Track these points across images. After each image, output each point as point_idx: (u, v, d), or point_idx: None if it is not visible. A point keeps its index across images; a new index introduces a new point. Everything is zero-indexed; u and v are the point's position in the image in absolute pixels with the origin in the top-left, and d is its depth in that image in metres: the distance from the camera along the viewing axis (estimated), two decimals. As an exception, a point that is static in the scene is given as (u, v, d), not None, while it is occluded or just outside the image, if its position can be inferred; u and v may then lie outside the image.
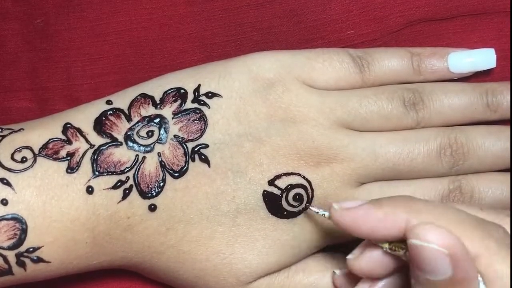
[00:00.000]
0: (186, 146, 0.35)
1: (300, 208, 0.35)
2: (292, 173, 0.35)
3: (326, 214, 0.33)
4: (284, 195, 0.35)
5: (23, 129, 0.35)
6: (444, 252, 0.26)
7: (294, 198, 0.35)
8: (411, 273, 0.28)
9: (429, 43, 0.40)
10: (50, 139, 0.34)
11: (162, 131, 0.35)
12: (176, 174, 0.34)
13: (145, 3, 0.40)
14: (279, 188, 0.35)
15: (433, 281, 0.26)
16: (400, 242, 0.29)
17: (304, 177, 0.35)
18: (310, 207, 0.34)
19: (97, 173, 0.34)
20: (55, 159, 0.34)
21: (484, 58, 0.38)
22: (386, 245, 0.29)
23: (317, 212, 0.34)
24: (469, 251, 0.26)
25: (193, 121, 0.35)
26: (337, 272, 0.35)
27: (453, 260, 0.26)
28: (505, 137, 0.37)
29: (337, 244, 0.37)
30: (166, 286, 0.38)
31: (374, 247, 0.30)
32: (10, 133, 0.34)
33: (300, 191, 0.35)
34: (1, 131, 0.34)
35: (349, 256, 0.31)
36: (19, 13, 0.41)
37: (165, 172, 0.34)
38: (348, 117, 0.36)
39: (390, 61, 0.38)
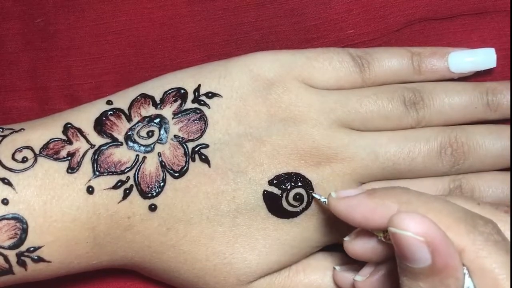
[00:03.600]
0: (186, 146, 0.35)
1: (300, 208, 0.35)
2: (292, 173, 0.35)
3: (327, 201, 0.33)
4: (284, 195, 0.35)
5: (23, 129, 0.35)
6: (420, 240, 0.26)
7: (294, 198, 0.35)
8: (397, 261, 0.28)
9: (430, 42, 0.40)
10: (50, 139, 0.34)
11: (162, 131, 0.35)
12: (177, 174, 0.34)
13: (146, 3, 0.40)
14: (279, 188, 0.35)
15: (414, 268, 0.27)
16: None
17: (304, 177, 0.35)
18: (313, 194, 0.35)
19: (97, 173, 0.34)
20: (56, 159, 0.34)
21: (484, 57, 0.38)
22: (381, 234, 0.30)
23: (319, 199, 0.34)
24: (454, 243, 0.27)
25: (193, 121, 0.35)
26: (337, 268, 0.35)
27: (432, 248, 0.26)
28: (505, 136, 0.37)
29: (338, 243, 0.37)
30: (167, 285, 0.38)
31: (370, 233, 0.31)
32: (11, 133, 0.34)
33: (301, 191, 0.35)
34: (2, 131, 0.34)
35: (346, 238, 0.32)
36: (19, 13, 0.41)
37: (166, 172, 0.34)
38: (348, 116, 0.36)
39: (391, 61, 0.38)
